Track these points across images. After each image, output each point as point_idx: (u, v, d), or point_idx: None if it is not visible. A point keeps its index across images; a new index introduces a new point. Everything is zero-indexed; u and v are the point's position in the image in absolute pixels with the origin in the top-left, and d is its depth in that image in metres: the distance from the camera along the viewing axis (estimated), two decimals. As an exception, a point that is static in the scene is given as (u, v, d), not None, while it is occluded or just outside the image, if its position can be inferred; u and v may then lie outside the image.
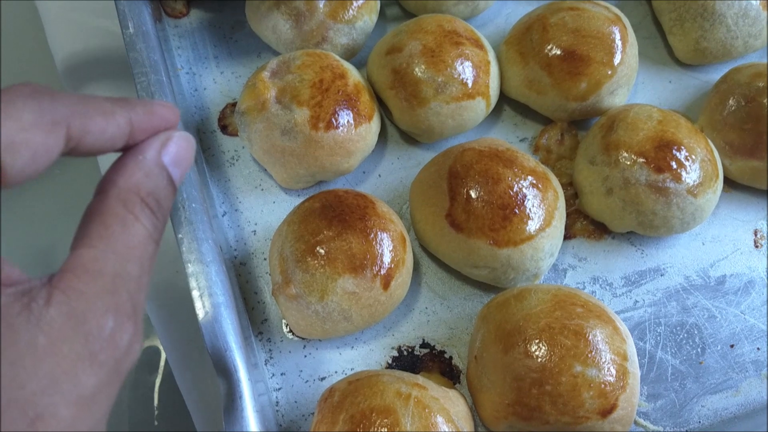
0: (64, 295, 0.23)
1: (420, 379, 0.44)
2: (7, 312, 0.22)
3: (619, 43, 0.54)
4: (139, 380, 0.86)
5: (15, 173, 0.23)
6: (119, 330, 0.24)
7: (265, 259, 0.53)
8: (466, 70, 0.54)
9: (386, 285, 0.46)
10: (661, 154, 0.49)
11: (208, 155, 0.56)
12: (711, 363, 0.49)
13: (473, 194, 0.48)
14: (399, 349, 0.50)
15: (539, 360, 0.42)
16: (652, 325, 0.51)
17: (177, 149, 0.29)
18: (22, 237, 0.97)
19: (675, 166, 0.48)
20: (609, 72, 0.53)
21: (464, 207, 0.48)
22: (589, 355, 0.42)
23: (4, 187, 0.23)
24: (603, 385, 0.42)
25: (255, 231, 0.54)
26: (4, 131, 0.22)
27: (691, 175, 0.49)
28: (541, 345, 0.43)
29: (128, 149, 0.28)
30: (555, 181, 0.52)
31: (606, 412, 0.42)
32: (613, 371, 0.42)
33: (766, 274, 0.53)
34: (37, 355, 0.22)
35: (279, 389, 0.48)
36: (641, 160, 0.49)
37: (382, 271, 0.46)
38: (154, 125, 0.29)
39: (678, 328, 0.50)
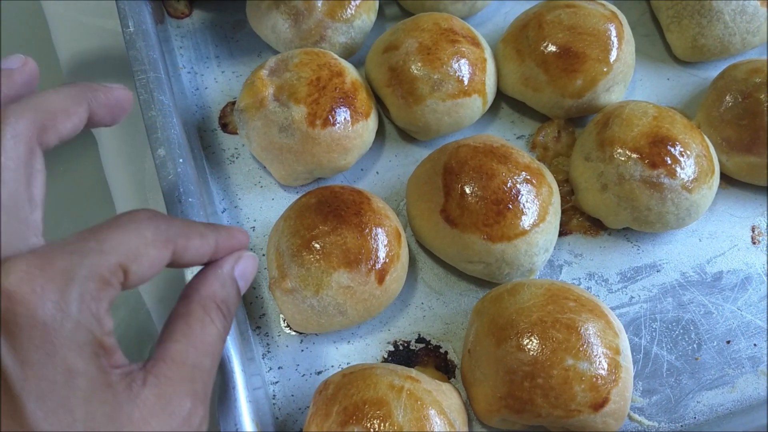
0: (156, 379, 0.29)
1: (413, 372, 0.44)
2: (115, 389, 0.27)
3: (614, 39, 0.54)
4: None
5: (135, 279, 0.29)
6: (194, 412, 0.30)
7: (263, 255, 0.53)
8: (462, 68, 0.54)
9: (381, 279, 0.47)
10: (655, 150, 0.49)
11: (208, 153, 0.57)
12: (707, 359, 0.49)
13: (467, 190, 0.49)
14: (395, 344, 0.50)
15: (531, 353, 0.42)
16: (647, 320, 0.51)
17: (245, 266, 0.37)
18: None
19: (669, 162, 0.49)
20: (605, 69, 0.53)
21: (458, 202, 0.49)
22: (581, 349, 0.42)
23: (124, 289, 0.29)
24: (595, 379, 0.42)
25: (254, 227, 0.54)
26: (132, 245, 0.28)
27: (685, 171, 0.49)
28: (533, 338, 0.43)
29: (210, 263, 0.36)
30: (550, 177, 0.52)
31: (598, 405, 0.42)
32: (605, 365, 0.42)
33: (764, 270, 0.53)
34: (132, 425, 0.27)
35: (276, 383, 0.48)
36: (635, 155, 0.49)
37: (377, 266, 0.47)
38: (232, 245, 0.37)
39: (674, 324, 0.50)
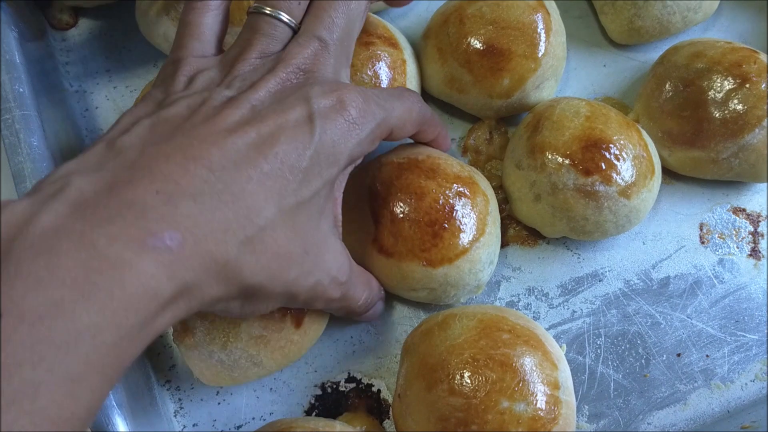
0: None
1: (338, 425, 0.40)
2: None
3: (541, 32, 0.49)
4: None
5: (391, 139, 0.40)
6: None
7: (173, 295, 0.48)
8: (379, 73, 0.49)
9: (298, 323, 0.42)
10: (588, 155, 0.44)
11: (104, 184, 0.51)
12: (656, 375, 0.46)
13: (398, 213, 0.44)
14: (322, 386, 0.46)
15: (463, 398, 0.38)
16: (591, 336, 0.47)
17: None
18: None
19: (604, 167, 0.44)
20: (532, 65, 0.49)
21: (390, 229, 0.44)
22: (516, 388, 0.38)
23: (383, 139, 0.39)
24: (533, 420, 0.38)
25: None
26: (404, 116, 0.40)
27: (622, 176, 0.45)
28: (465, 380, 0.39)
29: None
30: (483, 183, 0.47)
31: (538, 448, 0.38)
32: (543, 403, 0.38)
33: (714, 272, 0.49)
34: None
35: (190, 444, 0.44)
36: (567, 162, 0.45)
37: (292, 309, 0.42)
38: (445, 145, 0.48)
39: (619, 339, 0.47)
